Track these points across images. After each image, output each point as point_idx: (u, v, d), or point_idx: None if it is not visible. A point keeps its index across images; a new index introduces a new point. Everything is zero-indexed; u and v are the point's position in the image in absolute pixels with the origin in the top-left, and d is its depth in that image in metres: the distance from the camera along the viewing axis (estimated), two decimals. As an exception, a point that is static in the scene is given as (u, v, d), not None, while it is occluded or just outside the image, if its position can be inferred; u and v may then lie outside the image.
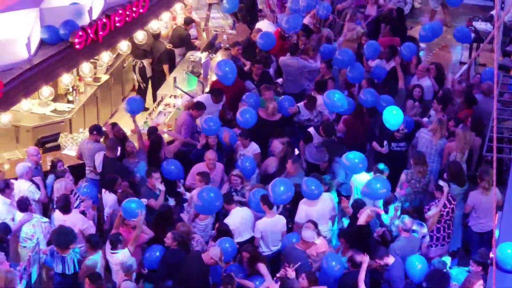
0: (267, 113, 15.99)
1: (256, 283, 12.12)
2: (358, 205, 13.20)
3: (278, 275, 11.88)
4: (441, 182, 13.69)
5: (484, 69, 18.42)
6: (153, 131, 15.37)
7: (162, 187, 13.84)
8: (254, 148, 15.19)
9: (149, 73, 19.47)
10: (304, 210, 13.42)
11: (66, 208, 13.08)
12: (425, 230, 13.30)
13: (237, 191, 14.17)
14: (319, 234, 12.82)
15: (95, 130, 15.04)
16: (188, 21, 20.08)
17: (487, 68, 18.36)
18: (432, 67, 17.85)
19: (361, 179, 14.05)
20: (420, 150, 15.10)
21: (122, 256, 12.23)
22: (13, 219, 13.11)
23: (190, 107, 15.85)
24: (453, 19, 23.54)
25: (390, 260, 12.20)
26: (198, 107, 15.62)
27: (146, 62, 19.34)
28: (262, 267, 12.21)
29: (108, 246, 12.39)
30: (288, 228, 13.53)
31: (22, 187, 13.82)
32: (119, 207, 13.09)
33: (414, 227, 13.05)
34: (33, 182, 13.96)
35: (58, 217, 13.16)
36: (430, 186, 14.35)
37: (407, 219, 12.81)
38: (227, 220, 13.20)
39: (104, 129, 15.53)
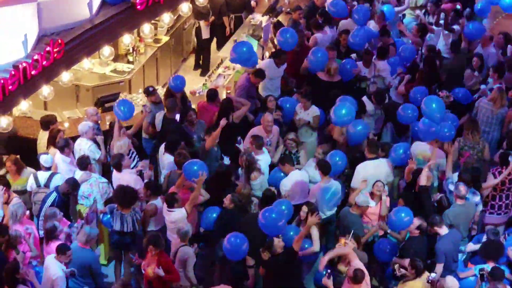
0: (328, 74, 15.87)
1: (305, 246, 12.20)
2: (418, 173, 13.09)
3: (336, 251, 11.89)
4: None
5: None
6: (213, 93, 15.40)
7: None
8: (314, 110, 15.11)
9: (205, 35, 19.40)
10: (360, 175, 13.38)
11: (117, 166, 13.26)
12: (478, 198, 13.13)
13: (292, 154, 14.14)
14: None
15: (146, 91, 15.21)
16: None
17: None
18: (500, 36, 17.55)
19: (421, 148, 13.94)
20: (480, 119, 14.90)
21: (178, 214, 12.36)
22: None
23: (251, 71, 15.82)
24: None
25: (441, 231, 12.11)
26: (258, 74, 15.59)
27: (202, 24, 19.30)
28: (315, 232, 12.22)
29: (164, 205, 12.50)
30: (345, 194, 13.48)
31: (83, 146, 13.99)
32: (176, 168, 13.23)
33: (468, 195, 12.89)
34: (94, 141, 14.13)
35: (115, 175, 13.39)
36: (485, 153, 14.16)
37: (462, 186, 12.67)
38: (284, 182, 13.24)
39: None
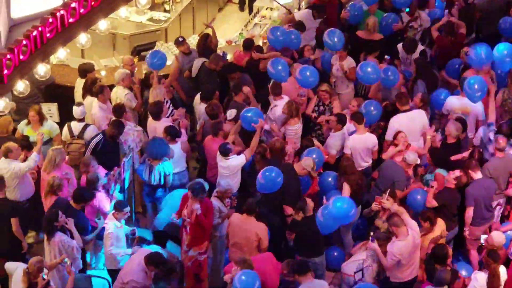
0: (367, 30, 15.71)
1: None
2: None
3: (373, 207, 11.97)
4: None
5: None
6: (249, 43, 15.36)
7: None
8: (350, 61, 15.01)
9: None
10: (394, 126, 13.33)
11: (157, 115, 13.30)
12: None
13: (325, 106, 14.17)
14: None
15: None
16: None
17: None
18: None
19: (454, 102, 13.87)
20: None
21: (236, 161, 12.51)
22: (108, 124, 13.34)
23: (289, 23, 15.72)
24: None
25: (475, 175, 12.10)
26: (298, 27, 15.51)
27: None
28: (346, 187, 12.29)
29: (218, 154, 12.56)
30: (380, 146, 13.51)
31: (119, 94, 14.07)
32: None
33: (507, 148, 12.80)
34: (131, 89, 14.19)
35: (150, 123, 13.44)
36: None
37: (501, 138, 12.58)
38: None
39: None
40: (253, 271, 10.30)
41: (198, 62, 14.77)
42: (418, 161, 12.83)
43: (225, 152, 12.45)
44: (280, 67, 13.75)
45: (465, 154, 12.89)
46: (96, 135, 12.96)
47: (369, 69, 14.01)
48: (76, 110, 13.37)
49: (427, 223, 11.55)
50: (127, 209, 11.65)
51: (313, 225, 11.47)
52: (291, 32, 15.14)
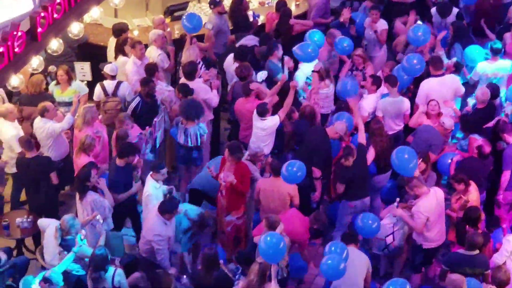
0: None
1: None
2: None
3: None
4: None
5: None
6: (282, 4, 15.32)
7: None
8: (382, 23, 14.99)
9: None
10: (425, 90, 13.23)
11: (191, 75, 13.26)
12: None
13: (359, 70, 14.11)
14: None
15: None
16: None
17: None
18: None
19: (485, 66, 13.75)
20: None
21: (271, 122, 12.51)
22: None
23: None
24: None
25: (511, 139, 12.09)
26: None
27: None
28: (371, 151, 12.27)
29: (255, 114, 12.57)
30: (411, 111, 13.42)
31: (153, 54, 14.07)
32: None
33: None
34: (164, 50, 14.19)
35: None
36: None
37: None
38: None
39: None
40: (277, 233, 10.35)
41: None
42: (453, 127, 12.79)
43: (263, 112, 12.45)
44: (310, 49, 13.37)
45: (493, 122, 12.81)
46: (134, 99, 13.01)
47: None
48: (108, 67, 13.42)
49: (462, 184, 11.48)
50: (164, 170, 11.63)
51: (362, 165, 11.75)
52: None
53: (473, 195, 11.51)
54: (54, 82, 13.62)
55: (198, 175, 12.69)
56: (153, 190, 11.51)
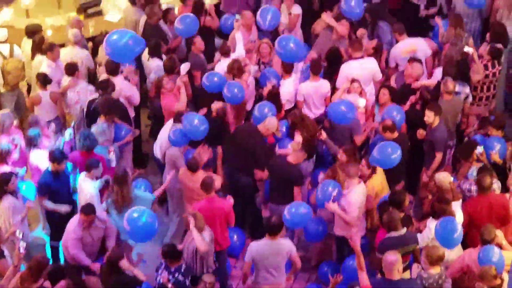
0: None
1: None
2: None
3: None
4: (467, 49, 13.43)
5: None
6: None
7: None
8: (296, 8, 15.04)
9: None
10: (345, 73, 13.22)
11: (114, 71, 13.09)
12: (467, 89, 13.11)
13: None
14: None
15: None
16: None
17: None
18: None
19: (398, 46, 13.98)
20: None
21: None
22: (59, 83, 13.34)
23: None
24: None
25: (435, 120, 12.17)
26: None
27: None
28: (297, 137, 12.22)
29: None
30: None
31: (75, 54, 13.99)
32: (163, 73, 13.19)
33: (457, 88, 12.94)
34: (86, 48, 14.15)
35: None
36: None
37: (449, 80, 12.67)
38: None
39: None
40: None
41: (142, 21, 14.71)
42: (359, 104, 12.66)
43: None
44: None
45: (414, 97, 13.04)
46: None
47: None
48: None
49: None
50: (99, 164, 11.33)
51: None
52: None
53: (376, 180, 11.46)
54: None
55: None
56: (93, 190, 11.21)
